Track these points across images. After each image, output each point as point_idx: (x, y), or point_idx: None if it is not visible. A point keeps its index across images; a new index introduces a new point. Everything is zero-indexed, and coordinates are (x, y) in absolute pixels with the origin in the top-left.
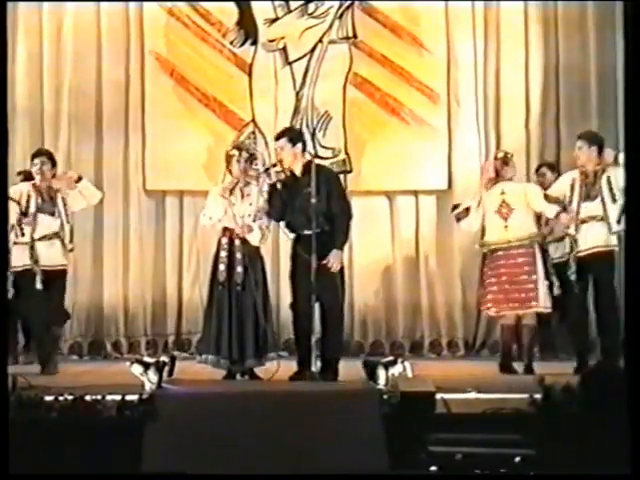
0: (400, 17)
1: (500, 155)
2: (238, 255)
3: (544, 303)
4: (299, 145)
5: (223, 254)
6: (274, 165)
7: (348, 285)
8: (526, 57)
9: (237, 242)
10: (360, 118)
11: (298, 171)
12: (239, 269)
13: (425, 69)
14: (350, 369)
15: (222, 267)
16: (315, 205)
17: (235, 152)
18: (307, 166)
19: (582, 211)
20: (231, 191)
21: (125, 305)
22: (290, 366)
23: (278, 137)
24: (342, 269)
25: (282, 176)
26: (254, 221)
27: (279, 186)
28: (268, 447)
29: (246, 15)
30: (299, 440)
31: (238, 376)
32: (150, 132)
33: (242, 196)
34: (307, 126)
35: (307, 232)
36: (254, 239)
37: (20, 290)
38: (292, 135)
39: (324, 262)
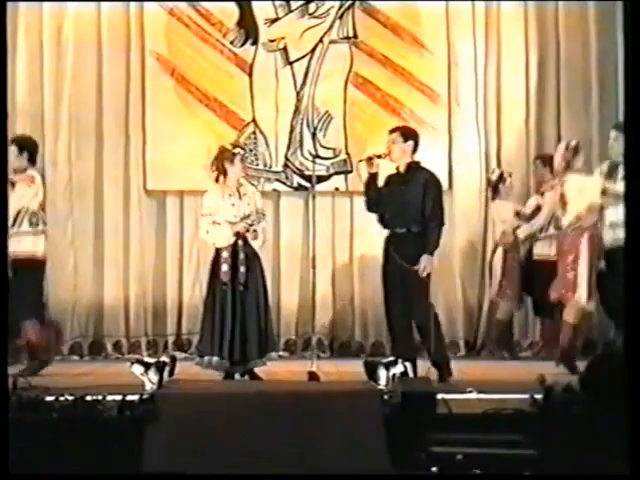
0: (400, 17)
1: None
2: (241, 255)
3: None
4: (410, 143)
5: (225, 254)
6: (379, 156)
7: (348, 285)
8: (526, 57)
9: (240, 242)
10: (361, 118)
11: (402, 168)
12: (242, 269)
13: (426, 69)
14: (350, 369)
15: (226, 267)
16: (409, 204)
17: (239, 150)
18: (411, 165)
19: None
20: (230, 190)
21: (125, 305)
22: (290, 366)
23: (392, 131)
24: (429, 274)
25: (375, 168)
26: (252, 225)
27: (378, 178)
28: (268, 447)
29: (247, 15)
30: (299, 440)
31: (237, 376)
32: (150, 132)
33: (240, 196)
34: (308, 126)
35: (399, 230)
36: (256, 243)
37: None
38: (406, 131)
39: (415, 268)
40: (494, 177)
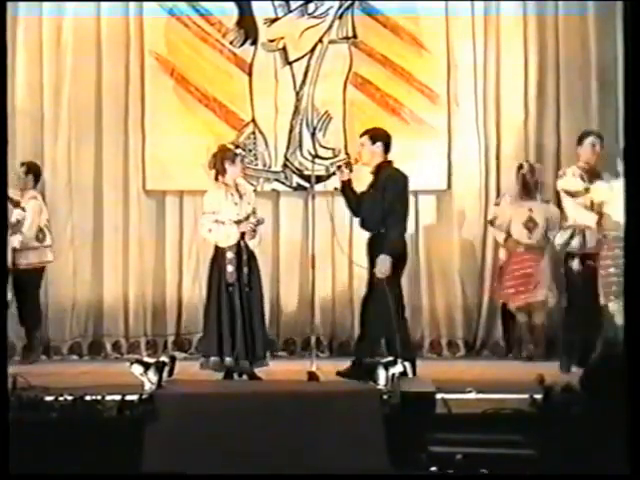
0: (400, 17)
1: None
2: (245, 256)
3: None
4: (379, 144)
5: (230, 255)
6: (348, 163)
7: (347, 285)
8: (525, 57)
9: (242, 243)
10: (360, 118)
11: (371, 170)
12: (246, 270)
13: (425, 69)
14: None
15: (231, 268)
16: (376, 204)
17: (241, 151)
18: (380, 166)
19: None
20: (232, 190)
21: (125, 305)
22: (289, 366)
23: (362, 135)
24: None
25: (346, 175)
26: (256, 225)
27: (352, 184)
28: (268, 447)
29: (246, 15)
30: (299, 440)
31: (235, 376)
32: (150, 132)
33: (240, 196)
34: (307, 126)
35: (373, 232)
36: (253, 243)
37: None
38: (374, 133)
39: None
40: (528, 175)
